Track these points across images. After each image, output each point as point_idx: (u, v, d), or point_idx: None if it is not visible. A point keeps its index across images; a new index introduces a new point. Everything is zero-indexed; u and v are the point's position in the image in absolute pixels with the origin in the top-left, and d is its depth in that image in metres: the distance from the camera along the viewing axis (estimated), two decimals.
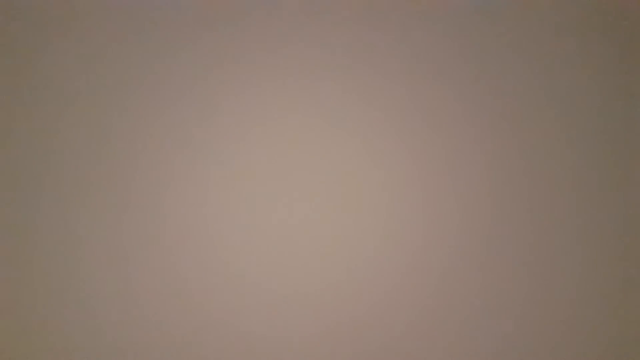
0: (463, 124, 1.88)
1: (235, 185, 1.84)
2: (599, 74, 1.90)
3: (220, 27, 1.85)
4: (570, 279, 1.87)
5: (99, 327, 1.80)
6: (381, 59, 1.87)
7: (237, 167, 1.84)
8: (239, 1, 1.86)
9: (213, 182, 1.83)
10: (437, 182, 1.86)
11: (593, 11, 1.90)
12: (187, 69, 1.84)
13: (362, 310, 1.84)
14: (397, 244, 1.85)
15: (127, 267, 1.80)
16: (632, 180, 1.89)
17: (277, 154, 1.85)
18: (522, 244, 1.86)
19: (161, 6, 1.85)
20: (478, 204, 1.86)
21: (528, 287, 1.86)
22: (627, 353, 1.86)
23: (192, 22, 1.85)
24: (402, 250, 1.85)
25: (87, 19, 1.84)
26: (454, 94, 1.88)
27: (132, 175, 1.82)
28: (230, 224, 1.83)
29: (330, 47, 1.86)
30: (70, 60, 1.83)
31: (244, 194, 1.84)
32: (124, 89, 1.84)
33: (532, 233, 1.87)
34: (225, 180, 1.84)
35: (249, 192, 1.84)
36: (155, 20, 1.85)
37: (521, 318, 1.85)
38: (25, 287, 1.79)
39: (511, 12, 1.89)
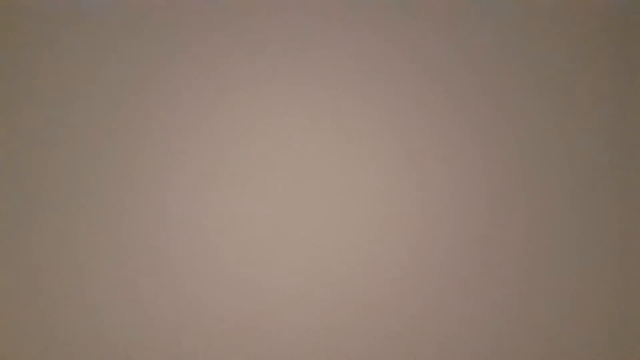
0: (461, 123, 1.87)
1: (235, 186, 1.84)
2: (599, 74, 1.89)
3: (221, 28, 1.85)
4: (569, 276, 1.86)
5: (100, 329, 1.80)
6: (379, 59, 1.87)
7: (237, 167, 1.84)
8: (239, 2, 1.86)
9: (213, 183, 1.83)
10: (435, 181, 1.86)
11: (593, 11, 1.90)
12: (189, 70, 1.84)
13: (360, 308, 1.84)
14: (396, 243, 1.85)
15: (128, 267, 1.81)
16: (632, 180, 1.88)
17: (276, 154, 1.85)
18: (520, 242, 1.86)
19: (163, 6, 1.85)
20: (476, 203, 1.86)
21: (527, 284, 1.86)
22: (628, 353, 1.86)
23: (194, 22, 1.85)
24: (401, 249, 1.85)
25: (87, 19, 1.84)
26: (452, 93, 1.88)
27: (133, 176, 1.82)
28: (230, 224, 1.83)
29: (330, 48, 1.86)
30: (70, 60, 1.83)
31: (244, 194, 1.84)
32: (123, 89, 1.84)
33: (531, 231, 1.86)
34: (225, 180, 1.84)
35: (249, 192, 1.84)
36: (156, 20, 1.84)
37: (520, 315, 1.85)
38: (25, 287, 1.80)
39: (510, 13, 1.89)
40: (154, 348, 1.81)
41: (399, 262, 1.85)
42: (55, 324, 1.79)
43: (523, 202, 1.86)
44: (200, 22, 1.85)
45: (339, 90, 1.86)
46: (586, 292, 1.86)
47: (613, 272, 1.87)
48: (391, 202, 1.85)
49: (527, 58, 1.88)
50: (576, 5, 1.89)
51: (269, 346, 1.82)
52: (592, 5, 1.89)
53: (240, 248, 1.83)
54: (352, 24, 1.87)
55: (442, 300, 1.85)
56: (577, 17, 1.89)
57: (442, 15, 1.88)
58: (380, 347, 1.84)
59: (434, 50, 1.87)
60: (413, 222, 1.85)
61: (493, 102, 1.88)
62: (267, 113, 1.85)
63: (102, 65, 1.83)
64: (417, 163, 1.86)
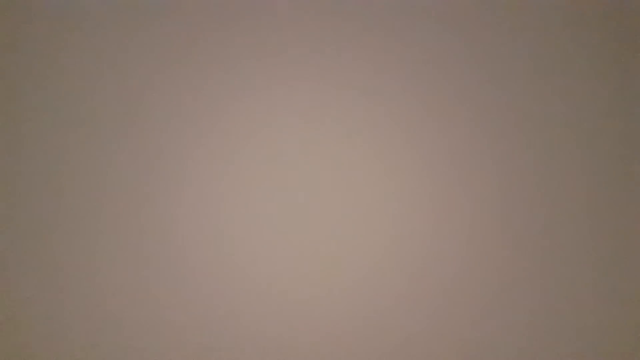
0: (468, 125, 1.88)
1: (245, 189, 1.83)
2: (600, 73, 1.91)
3: (223, 28, 1.85)
4: (580, 283, 1.87)
5: (108, 330, 1.79)
6: (387, 60, 1.88)
7: (247, 169, 1.84)
8: (241, 2, 1.86)
9: (225, 185, 1.83)
10: (444, 184, 1.87)
11: (593, 10, 1.92)
12: (195, 72, 1.84)
13: (370, 313, 1.84)
14: (405, 248, 1.85)
15: (138, 269, 1.80)
16: (634, 181, 1.90)
17: (282, 156, 1.85)
18: (530, 247, 1.87)
19: (164, 7, 1.85)
20: (485, 207, 1.87)
21: (537, 291, 1.87)
22: (629, 353, 1.88)
23: (195, 23, 1.85)
24: (410, 255, 1.85)
25: (85, 19, 1.84)
26: (458, 95, 1.89)
27: (141, 177, 1.82)
28: (240, 228, 1.82)
29: (335, 48, 1.87)
30: (72, 61, 1.83)
31: (254, 199, 1.83)
32: (128, 92, 1.83)
33: (540, 235, 1.87)
34: (236, 183, 1.83)
35: (258, 196, 1.84)
36: (158, 21, 1.84)
37: (530, 322, 1.86)
38: (33, 288, 1.78)
39: (514, 12, 1.90)
40: (165, 351, 1.80)
41: (410, 269, 1.85)
42: (64, 325, 1.78)
43: (534, 203, 1.88)
44: (209, 21, 1.85)
45: (348, 90, 1.86)
46: (597, 299, 1.87)
47: (624, 272, 1.89)
48: (400, 205, 1.86)
49: (538, 60, 1.90)
50: (577, 5, 1.91)
51: (277, 350, 1.82)
52: (593, 5, 1.92)
53: (249, 252, 1.82)
54: (359, 24, 1.87)
55: (453, 307, 1.85)
56: (579, 17, 1.91)
57: (450, 15, 1.89)
58: (390, 353, 1.84)
59: (443, 51, 1.88)
60: (422, 225, 1.86)
61: (502, 102, 1.89)
62: (275, 115, 1.85)
63: (106, 66, 1.83)
64: (428, 168, 1.87)
